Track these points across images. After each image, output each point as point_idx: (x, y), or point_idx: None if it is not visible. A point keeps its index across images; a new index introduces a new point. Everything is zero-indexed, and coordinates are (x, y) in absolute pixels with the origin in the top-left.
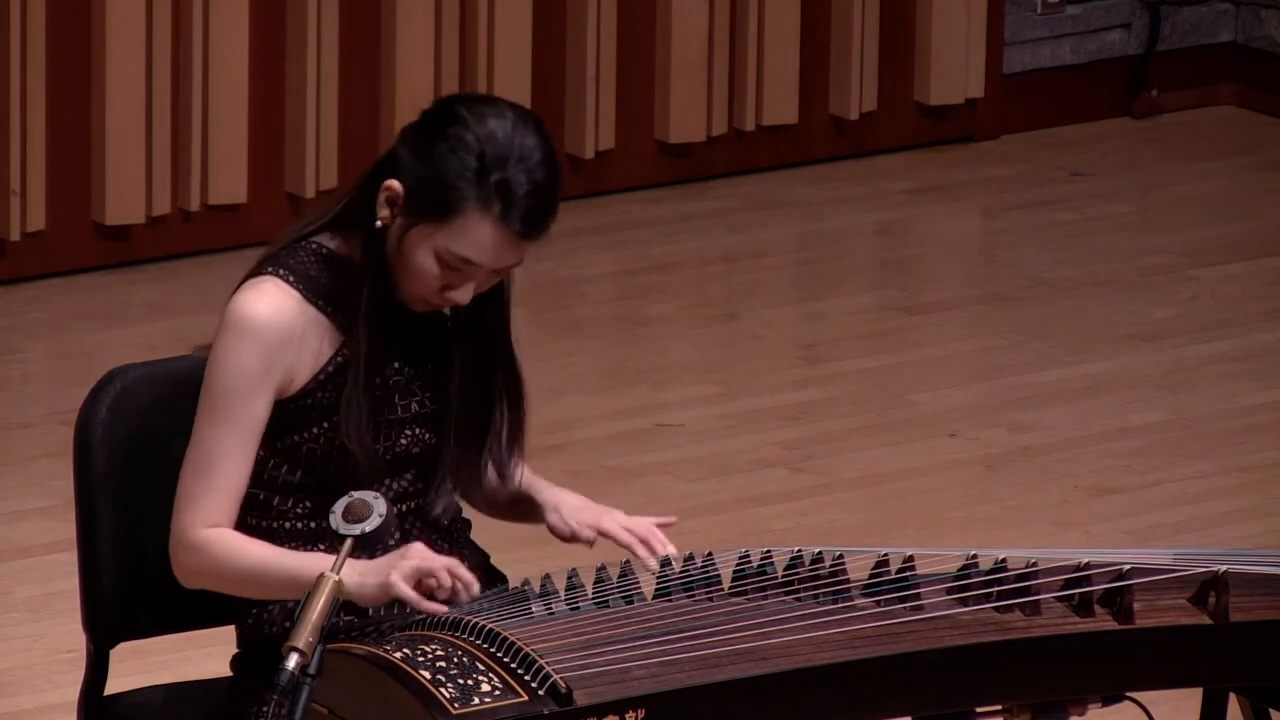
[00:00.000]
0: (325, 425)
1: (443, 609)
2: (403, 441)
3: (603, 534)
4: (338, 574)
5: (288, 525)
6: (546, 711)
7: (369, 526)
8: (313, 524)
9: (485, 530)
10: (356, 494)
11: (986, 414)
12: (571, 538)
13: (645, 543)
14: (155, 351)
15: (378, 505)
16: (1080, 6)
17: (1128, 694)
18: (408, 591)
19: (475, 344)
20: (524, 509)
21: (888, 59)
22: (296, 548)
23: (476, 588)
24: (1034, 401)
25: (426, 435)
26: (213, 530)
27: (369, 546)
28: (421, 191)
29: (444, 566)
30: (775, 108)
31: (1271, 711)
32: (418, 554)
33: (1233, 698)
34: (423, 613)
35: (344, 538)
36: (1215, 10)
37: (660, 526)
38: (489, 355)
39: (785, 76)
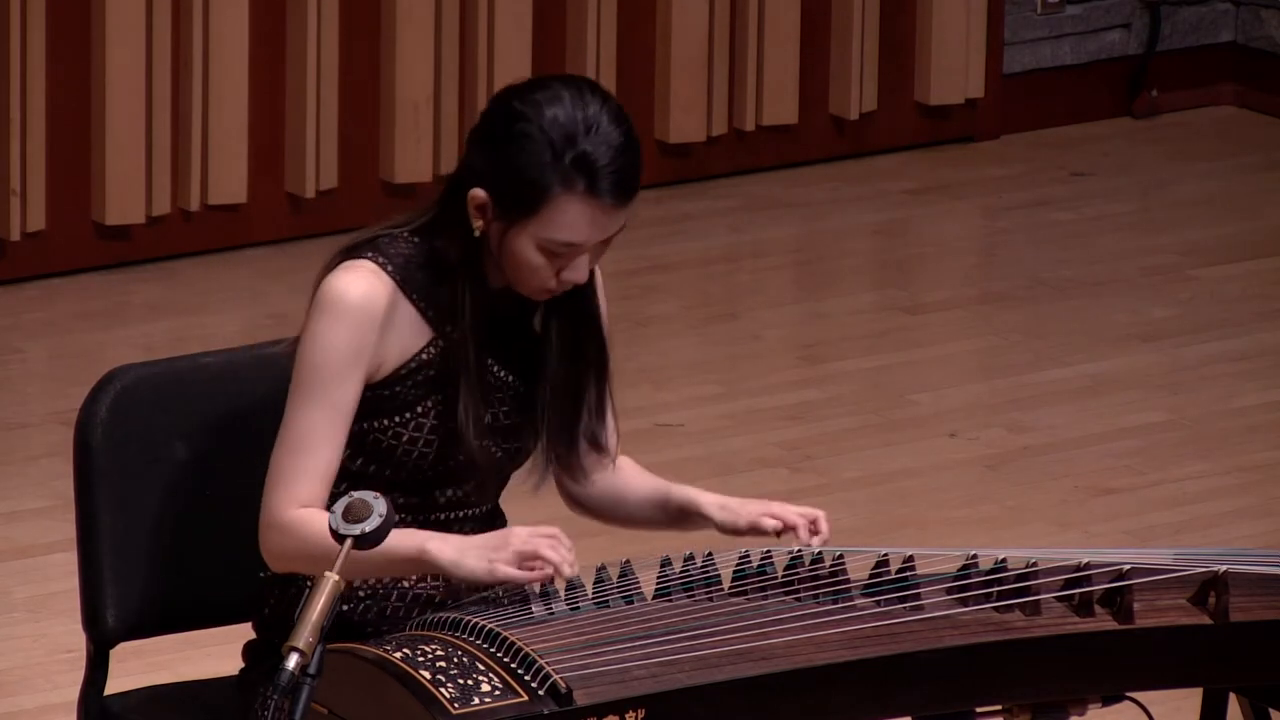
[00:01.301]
0: (395, 419)
1: (547, 574)
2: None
3: (775, 517)
4: (338, 574)
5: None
6: (546, 711)
7: (369, 526)
8: None
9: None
10: (356, 494)
11: (986, 414)
12: (751, 529)
13: (813, 523)
14: (155, 351)
15: (378, 505)
16: (1080, 6)
17: (1128, 694)
18: (514, 573)
19: (568, 314)
20: (671, 517)
21: (888, 59)
22: None
23: (575, 567)
24: (1034, 401)
25: (495, 450)
26: (302, 510)
27: (369, 546)
28: (505, 193)
29: (549, 545)
30: (775, 108)
31: (1271, 711)
32: (520, 539)
33: (1233, 698)
34: (525, 584)
35: (344, 537)
36: (1215, 10)
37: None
38: (580, 326)
39: (785, 76)
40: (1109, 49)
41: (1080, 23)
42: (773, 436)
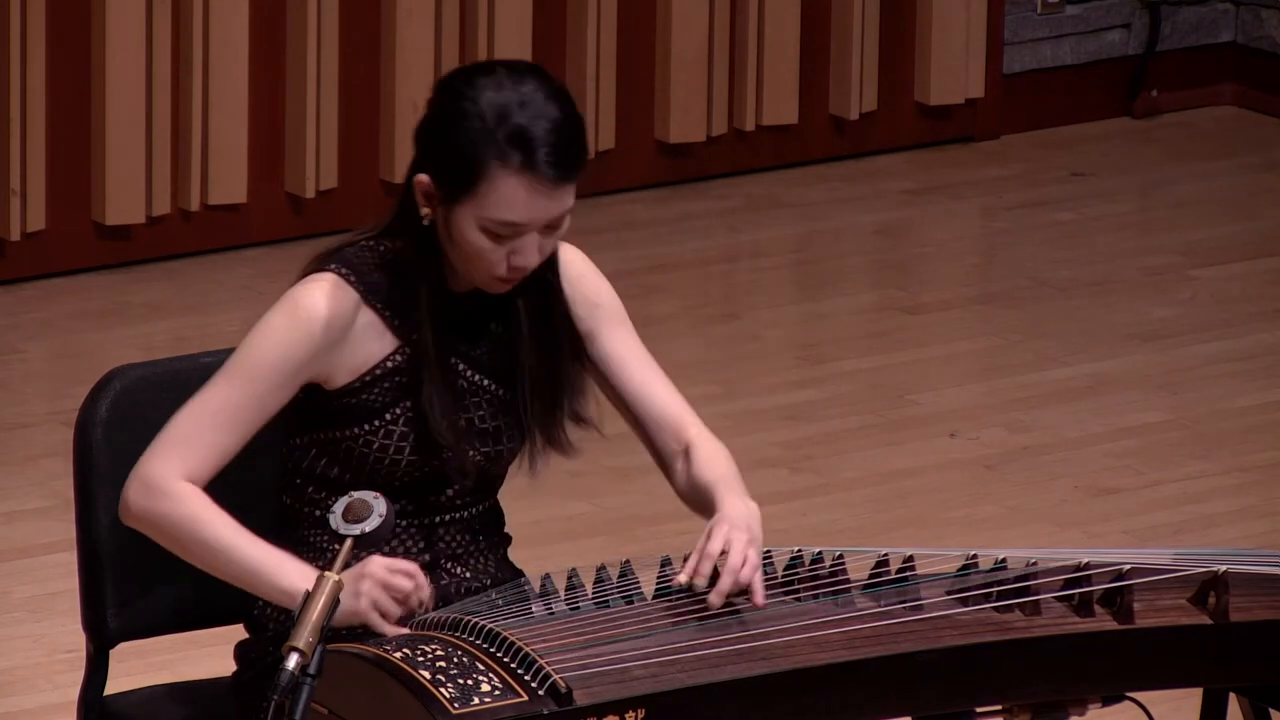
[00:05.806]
0: (366, 427)
1: (405, 631)
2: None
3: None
4: (337, 574)
5: (316, 513)
6: (546, 711)
7: (369, 526)
8: None
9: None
10: (356, 494)
11: (986, 414)
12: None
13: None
14: (155, 351)
15: (378, 505)
16: (1080, 6)
17: (1128, 694)
18: (380, 623)
19: (533, 307)
20: (702, 507)
21: (888, 59)
22: (318, 536)
23: (428, 595)
24: (1034, 401)
25: (475, 454)
26: (190, 486)
27: (369, 546)
28: (446, 173)
29: (404, 593)
30: (775, 108)
31: (1271, 711)
32: (379, 577)
33: (1233, 698)
34: (386, 634)
35: (343, 537)
36: (1215, 10)
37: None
38: (547, 315)
39: (785, 76)
40: (1109, 49)
41: (1080, 23)
42: (773, 436)
